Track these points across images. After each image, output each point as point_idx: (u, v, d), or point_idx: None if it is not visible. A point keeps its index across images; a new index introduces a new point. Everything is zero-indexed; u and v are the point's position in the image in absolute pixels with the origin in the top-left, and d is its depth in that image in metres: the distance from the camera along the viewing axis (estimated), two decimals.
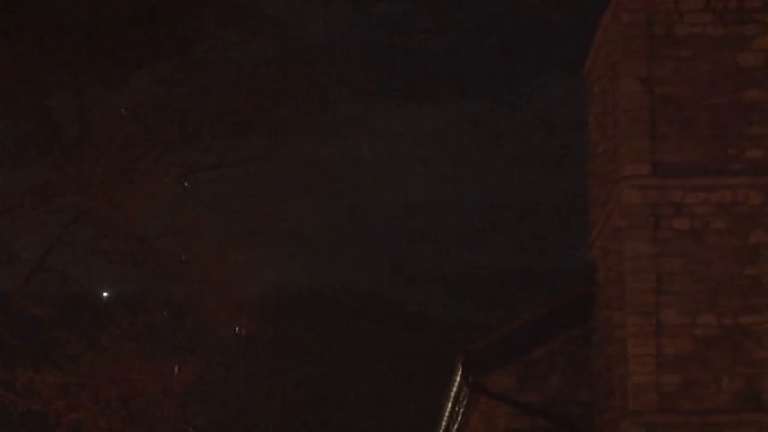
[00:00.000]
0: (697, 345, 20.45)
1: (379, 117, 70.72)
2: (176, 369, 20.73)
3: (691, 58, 20.88)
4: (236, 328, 21.98)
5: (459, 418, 26.04)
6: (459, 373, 23.44)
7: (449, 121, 74.99)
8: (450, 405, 25.91)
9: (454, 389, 24.64)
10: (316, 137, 21.62)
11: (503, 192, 72.04)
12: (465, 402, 24.66)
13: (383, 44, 76.63)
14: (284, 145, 20.83)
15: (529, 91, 73.97)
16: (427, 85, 78.83)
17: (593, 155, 23.43)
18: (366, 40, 74.74)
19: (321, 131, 21.35)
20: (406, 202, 70.75)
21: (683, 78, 20.92)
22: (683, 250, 20.59)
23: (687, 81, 20.93)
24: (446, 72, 77.06)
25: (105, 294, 21.37)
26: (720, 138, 20.83)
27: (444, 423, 27.44)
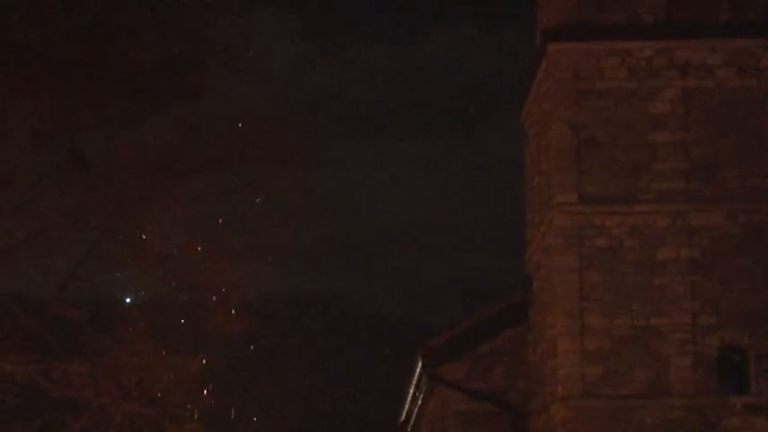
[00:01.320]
0: (614, 342, 20.74)
1: (360, 152, 70.95)
2: (186, 362, 20.45)
3: (610, 106, 21.08)
4: (232, 333, 21.35)
5: (419, 403, 26.13)
6: (419, 365, 23.69)
7: (413, 155, 75.36)
8: (411, 392, 26.10)
9: (415, 378, 24.93)
10: (305, 168, 21.47)
11: (451, 216, 72.45)
12: (424, 389, 24.85)
13: (363, 92, 77.18)
14: (279, 175, 20.62)
15: (483, 131, 74.71)
16: (395, 126, 79.55)
17: (529, 186, 23.52)
18: (346, 92, 75.21)
19: (309, 164, 21.55)
20: (380, 223, 71.21)
21: (603, 123, 21.10)
22: (602, 264, 20.86)
23: (607, 126, 21.11)
24: (414, 113, 77.56)
25: (127, 299, 21.24)
26: (633, 172, 21.02)
27: (407, 407, 27.58)
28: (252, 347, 31.08)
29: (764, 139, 21.07)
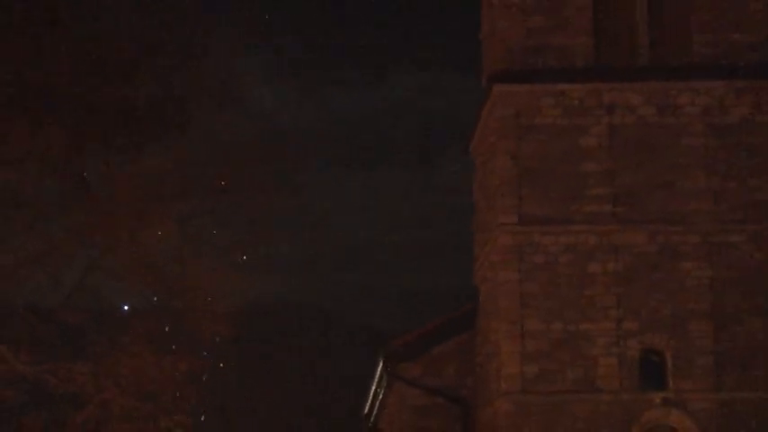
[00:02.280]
0: (549, 345, 20.85)
1: (333, 179, 71.47)
2: (177, 362, 20.54)
3: (546, 140, 21.17)
4: (217, 338, 21.42)
5: (380, 397, 26.14)
6: (381, 365, 23.90)
7: (380, 183, 75.76)
8: (373, 388, 26.19)
9: (377, 376, 25.06)
10: (283, 193, 21.29)
11: (410, 235, 72.73)
12: (384, 386, 24.91)
13: (334, 128, 77.62)
14: (260, 198, 20.67)
15: (439, 162, 75.04)
16: (364, 158, 79.96)
17: (477, 210, 23.59)
18: (320, 127, 75.64)
19: (287, 189, 21.43)
20: (350, 241, 71.31)
21: (540, 155, 21.16)
22: (539, 277, 20.98)
23: (543, 157, 21.17)
24: (380, 147, 78.02)
25: (125, 307, 21.35)
26: (566, 197, 21.10)
27: (369, 402, 27.64)
28: (239, 350, 30.83)
29: (680, 168, 21.15)
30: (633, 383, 20.77)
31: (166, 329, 20.90)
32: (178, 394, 21.05)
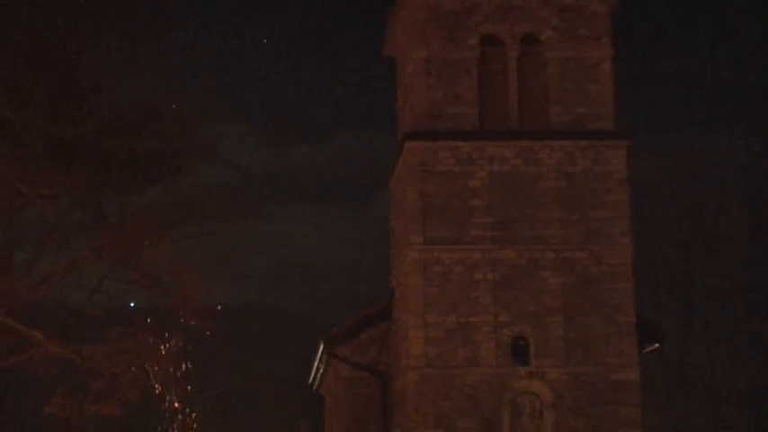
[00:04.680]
0: (446, 332, 20.87)
1: (291, 213, 71.82)
2: (170, 346, 21.05)
3: (443, 182, 21.12)
4: (203, 330, 21.45)
5: (321, 371, 26.29)
6: (321, 346, 23.94)
7: (329, 215, 76.16)
8: (316, 365, 26.17)
9: (318, 356, 25.02)
10: (252, 222, 21.92)
11: (348, 254, 72.82)
12: (324, 363, 25.08)
13: (293, 173, 77.68)
14: (235, 226, 20.84)
15: (375, 199, 75.45)
16: (316, 195, 79.91)
17: (393, 233, 23.65)
18: (281, 173, 75.76)
19: (255, 219, 21.56)
20: (305, 258, 71.11)
21: (439, 193, 21.00)
22: (438, 283, 20.99)
23: (441, 194, 20.92)
24: (329, 188, 78.19)
25: (132, 304, 21.40)
26: (459, 224, 21.13)
27: (313, 374, 27.50)
28: (217, 338, 30.24)
29: (540, 204, 21.24)
30: (506, 361, 20.77)
31: (163, 322, 21.18)
32: (169, 369, 21.71)
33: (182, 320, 21.22)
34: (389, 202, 24.25)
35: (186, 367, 22.24)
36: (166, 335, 21.65)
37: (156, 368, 21.55)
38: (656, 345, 23.21)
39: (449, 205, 21.16)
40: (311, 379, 28.21)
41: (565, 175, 21.42)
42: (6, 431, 25.53)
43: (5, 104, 18.74)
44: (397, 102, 24.21)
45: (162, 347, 21.36)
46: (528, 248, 21.07)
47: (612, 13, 22.09)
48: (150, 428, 32.04)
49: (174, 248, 21.03)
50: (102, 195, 20.36)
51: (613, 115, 21.69)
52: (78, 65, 19.24)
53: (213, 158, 21.10)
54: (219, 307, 21.63)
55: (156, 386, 22.00)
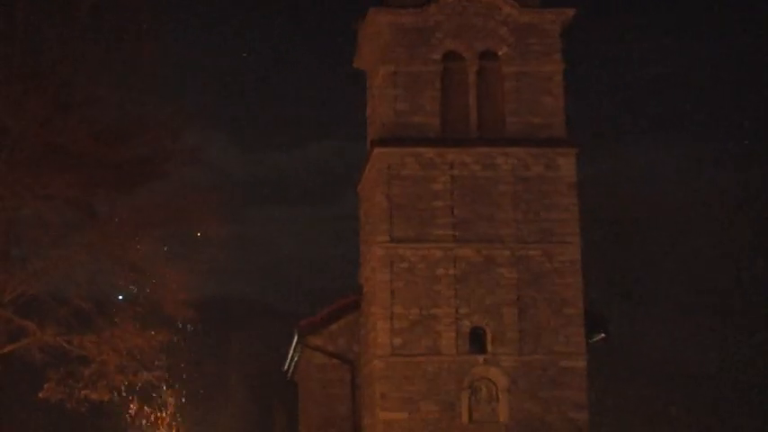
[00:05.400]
0: (410, 323, 20.95)
1: (266, 213, 71.53)
2: (155, 335, 20.52)
3: (408, 185, 21.11)
4: (185, 320, 21.24)
5: (296, 359, 26.18)
6: (296, 336, 23.89)
7: (304, 215, 76.02)
8: (291, 353, 25.99)
9: (293, 345, 24.88)
10: (230, 221, 22.05)
11: (317, 252, 72.82)
12: (298, 351, 24.92)
13: (267, 177, 77.71)
14: (215, 225, 20.43)
15: (343, 200, 75.33)
16: (287, 197, 79.89)
17: (362, 232, 23.63)
18: (257, 177, 75.80)
19: (232, 219, 21.33)
20: (278, 255, 71.09)
21: (404, 195, 21.28)
22: (403, 278, 21.06)
23: (406, 196, 21.26)
24: (301, 190, 78.15)
25: (120, 297, 21.12)
26: (422, 224, 21.21)
27: (288, 362, 27.35)
28: (197, 327, 30.13)
29: (496, 206, 21.32)
30: (465, 349, 20.91)
31: (149, 312, 20.72)
32: (156, 356, 20.94)
33: (165, 312, 20.90)
34: (358, 203, 24.25)
35: (169, 354, 21.91)
36: (152, 325, 20.96)
37: (141, 356, 20.84)
38: (602, 335, 23.44)
39: (413, 207, 21.20)
40: (286, 366, 28.21)
41: (519, 179, 21.57)
42: (2, 415, 25.23)
43: (3, 113, 18.67)
44: (366, 111, 24.25)
45: (147, 337, 20.57)
46: (485, 246, 21.16)
47: (565, 31, 22.32)
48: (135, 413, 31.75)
49: (159, 245, 20.84)
50: (93, 196, 20.31)
51: (564, 124, 21.86)
52: (72, 78, 19.26)
53: (195, 163, 21.03)
54: (200, 300, 21.22)
55: (143, 373, 21.06)
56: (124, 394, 21.86)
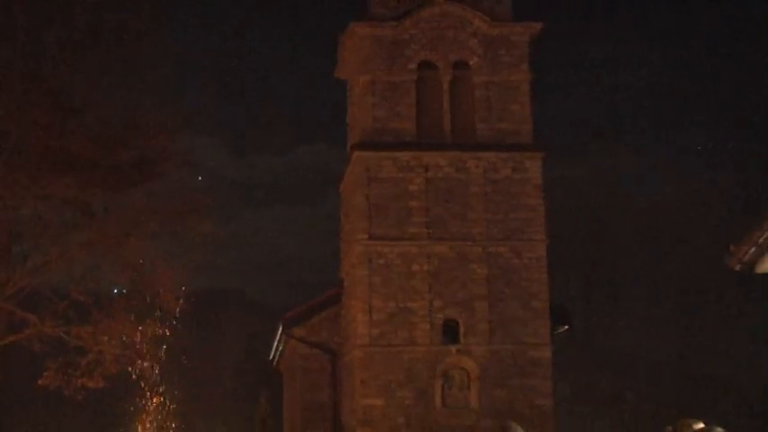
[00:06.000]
0: (387, 316, 21.08)
1: (256, 213, 71.38)
2: (148, 328, 20.21)
3: (386, 186, 21.32)
4: (177, 309, 20.64)
5: (280, 349, 26.21)
6: (280, 328, 23.95)
7: (292, 215, 76.05)
8: (275, 344, 26.10)
9: (278, 336, 24.98)
10: (221, 220, 21.40)
11: (304, 250, 72.67)
12: (283, 342, 25.03)
13: (258, 180, 77.56)
14: (206, 224, 20.18)
15: (326, 201, 75.45)
16: (279, 198, 79.82)
17: (343, 230, 23.71)
18: (247, 180, 75.80)
19: (223, 218, 21.12)
20: (269, 252, 70.93)
21: (382, 196, 21.23)
22: (381, 273, 21.20)
23: (384, 197, 21.18)
24: (289, 192, 78.26)
25: (115, 291, 20.83)
26: (399, 223, 21.17)
27: (273, 352, 27.33)
28: (189, 319, 29.94)
29: (468, 206, 21.43)
30: (439, 340, 21.06)
31: (142, 305, 20.60)
32: (149, 347, 20.79)
33: (157, 305, 20.66)
34: (340, 203, 24.32)
35: (163, 345, 21.84)
36: (146, 316, 20.63)
37: (136, 346, 20.61)
38: (566, 327, 23.54)
39: (391, 206, 21.45)
40: (271, 356, 28.18)
41: (490, 181, 21.71)
42: (4, 401, 25.04)
43: (4, 118, 18.44)
44: (347, 117, 24.31)
45: (140, 329, 20.36)
46: (458, 244, 21.45)
47: (534, 41, 22.39)
48: (129, 400, 31.54)
49: (152, 242, 20.72)
50: (91, 196, 20.06)
51: (531, 130, 21.97)
52: (72, 82, 18.97)
53: (188, 165, 20.69)
54: (192, 293, 21.03)
55: (138, 362, 20.81)
56: (119, 382, 21.62)
